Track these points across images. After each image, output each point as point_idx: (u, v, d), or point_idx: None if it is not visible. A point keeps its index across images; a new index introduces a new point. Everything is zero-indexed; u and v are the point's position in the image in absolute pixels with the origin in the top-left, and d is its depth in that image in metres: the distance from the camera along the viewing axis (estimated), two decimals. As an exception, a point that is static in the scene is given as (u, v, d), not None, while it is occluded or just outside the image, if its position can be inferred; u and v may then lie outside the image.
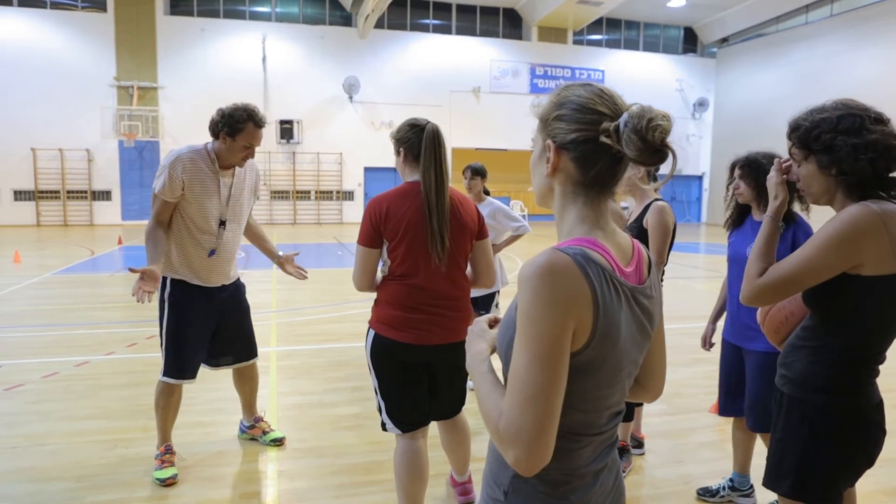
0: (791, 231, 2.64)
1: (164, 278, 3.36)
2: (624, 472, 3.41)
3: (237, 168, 3.52)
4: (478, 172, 4.66)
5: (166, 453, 3.38)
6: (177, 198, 3.30)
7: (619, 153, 1.12)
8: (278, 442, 3.76)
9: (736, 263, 2.91)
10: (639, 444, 3.74)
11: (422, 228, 2.52)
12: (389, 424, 2.66)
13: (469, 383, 3.85)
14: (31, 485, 3.23)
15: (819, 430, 1.85)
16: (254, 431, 3.84)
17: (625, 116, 1.11)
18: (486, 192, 4.76)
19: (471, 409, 3.57)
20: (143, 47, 22.42)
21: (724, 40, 28.08)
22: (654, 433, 3.99)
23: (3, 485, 3.23)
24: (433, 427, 2.89)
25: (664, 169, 1.19)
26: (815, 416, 1.86)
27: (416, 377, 2.63)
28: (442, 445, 3.01)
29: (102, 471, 3.39)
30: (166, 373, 3.38)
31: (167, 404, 3.42)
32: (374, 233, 2.57)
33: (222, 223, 3.42)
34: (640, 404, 3.73)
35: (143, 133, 22.13)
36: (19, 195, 22.00)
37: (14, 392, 4.63)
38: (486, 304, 4.56)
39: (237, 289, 3.70)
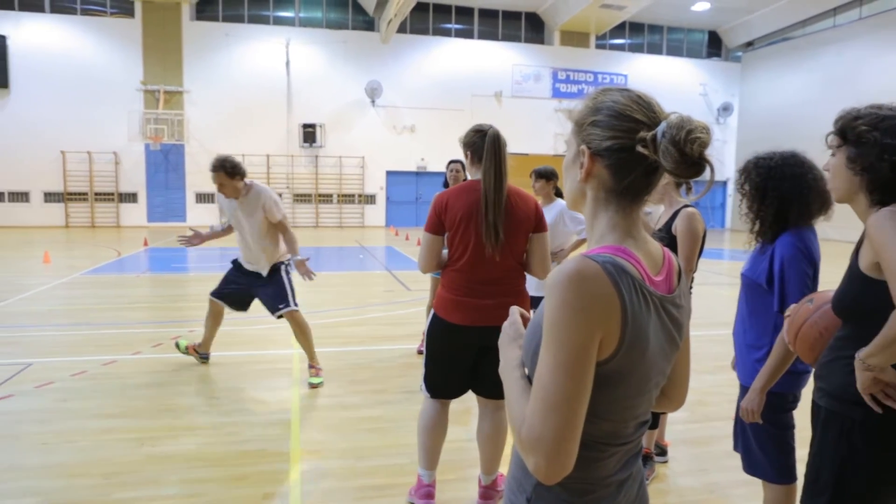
0: (771, 250, 2.35)
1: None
2: (647, 479, 3.38)
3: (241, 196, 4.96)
4: (541, 175, 4.69)
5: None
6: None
7: (655, 163, 1.10)
8: (313, 385, 4.92)
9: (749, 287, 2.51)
10: (662, 451, 3.70)
11: (476, 220, 2.83)
12: (423, 387, 3.06)
13: None
14: (61, 480, 3.29)
15: (858, 444, 1.77)
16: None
17: (663, 126, 1.08)
18: (559, 195, 4.74)
19: (493, 414, 3.57)
20: (170, 52, 22.77)
21: (750, 44, 27.77)
22: (677, 441, 3.95)
23: (33, 480, 3.29)
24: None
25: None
26: (853, 429, 1.78)
27: (459, 356, 2.95)
28: (476, 436, 3.13)
29: (129, 468, 3.44)
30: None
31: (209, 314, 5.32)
32: (437, 220, 2.91)
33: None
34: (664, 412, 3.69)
35: (168, 136, 22.47)
36: (49, 197, 22.44)
37: (44, 389, 4.72)
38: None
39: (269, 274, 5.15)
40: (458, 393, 3.06)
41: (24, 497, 3.11)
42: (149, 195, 23.19)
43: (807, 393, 2.20)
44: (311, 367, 5.08)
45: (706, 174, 1.09)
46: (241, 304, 5.34)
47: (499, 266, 2.86)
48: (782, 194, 2.30)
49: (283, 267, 5.15)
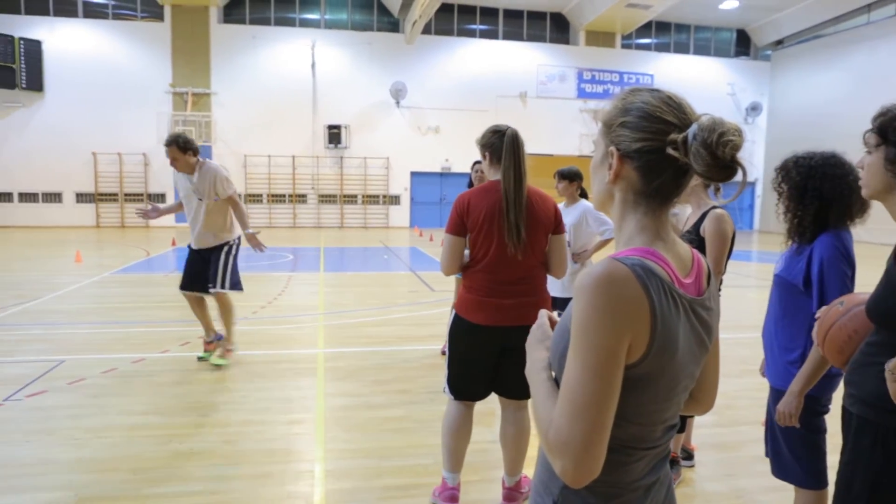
0: (809, 251, 2.31)
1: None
2: (674, 483, 3.34)
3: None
4: (564, 176, 4.69)
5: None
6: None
7: (685, 165, 1.09)
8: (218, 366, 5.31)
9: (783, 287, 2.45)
10: (689, 455, 3.65)
11: (498, 221, 2.84)
12: (447, 389, 3.06)
13: None
14: (92, 475, 3.36)
15: (894, 453, 1.71)
16: (209, 346, 5.57)
17: (694, 128, 1.07)
18: (584, 195, 4.73)
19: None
20: (198, 55, 23.09)
21: (779, 42, 27.30)
22: (704, 445, 3.90)
23: (66, 474, 3.37)
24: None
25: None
26: (888, 437, 1.72)
27: (482, 356, 2.95)
28: (499, 438, 3.13)
29: (158, 464, 3.50)
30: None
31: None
32: (459, 222, 2.91)
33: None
34: (692, 415, 3.65)
35: (196, 138, 22.74)
36: (81, 197, 22.89)
37: (76, 386, 4.82)
38: (564, 306, 4.57)
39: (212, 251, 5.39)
40: (482, 395, 3.05)
41: (58, 490, 3.18)
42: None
43: (836, 397, 2.16)
44: (225, 348, 5.44)
45: (737, 176, 1.08)
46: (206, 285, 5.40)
47: (521, 265, 2.88)
48: (822, 195, 2.27)
49: (226, 247, 5.37)
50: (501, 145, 2.90)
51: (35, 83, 21.86)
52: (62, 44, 22.13)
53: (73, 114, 22.26)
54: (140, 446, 3.73)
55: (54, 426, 4.03)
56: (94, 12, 22.71)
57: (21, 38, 21.42)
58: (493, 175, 3.00)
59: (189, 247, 5.54)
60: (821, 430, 2.38)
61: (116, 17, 22.88)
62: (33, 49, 21.70)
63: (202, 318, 5.57)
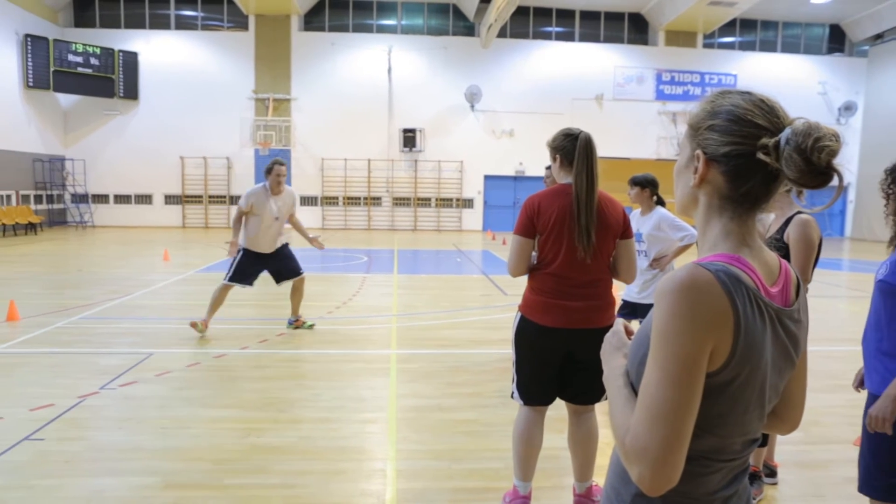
0: None
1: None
2: (754, 500, 3.20)
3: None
4: (636, 183, 4.65)
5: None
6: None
7: (776, 170, 1.05)
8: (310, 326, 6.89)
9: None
10: (772, 472, 3.49)
11: (568, 224, 2.83)
12: (516, 394, 3.02)
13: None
14: (178, 463, 3.53)
15: None
16: (297, 324, 6.91)
17: (787, 132, 1.03)
18: (661, 203, 4.67)
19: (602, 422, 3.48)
20: (279, 61, 23.93)
21: (878, 37, 25.67)
22: (788, 462, 3.71)
23: (154, 461, 3.55)
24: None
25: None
26: None
27: (549, 359, 2.92)
28: (567, 443, 3.10)
29: (237, 456, 3.64)
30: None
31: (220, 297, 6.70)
32: (529, 224, 2.91)
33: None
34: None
35: (276, 142, 23.58)
36: (169, 199, 24.16)
37: (163, 378, 5.08)
38: (646, 312, 4.50)
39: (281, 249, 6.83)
40: (551, 398, 3.02)
41: (148, 476, 3.37)
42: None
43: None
44: (297, 319, 6.97)
45: (832, 182, 1.03)
46: (251, 282, 6.80)
47: (589, 269, 2.87)
48: None
49: (287, 244, 6.89)
50: (573, 149, 2.89)
51: (131, 92, 23.25)
52: (156, 55, 23.45)
53: (164, 120, 23.52)
54: (221, 438, 3.89)
55: (144, 415, 4.26)
56: (185, 24, 23.97)
57: (120, 51, 22.85)
58: (561, 178, 2.99)
59: (252, 253, 6.62)
60: None
61: (205, 27, 24.04)
62: (131, 60, 23.10)
63: (219, 305, 6.69)
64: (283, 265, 6.76)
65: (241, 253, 6.60)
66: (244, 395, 4.72)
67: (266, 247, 6.60)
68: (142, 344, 6.17)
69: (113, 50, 22.69)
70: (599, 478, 3.13)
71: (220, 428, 4.07)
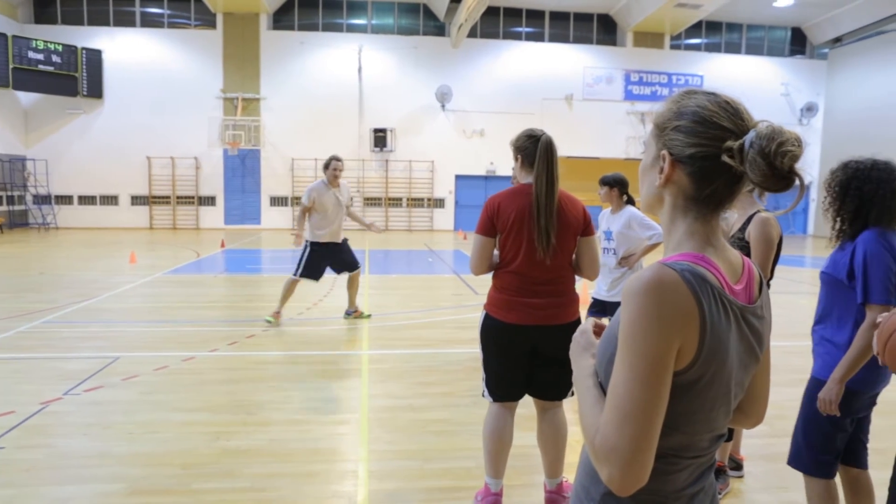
0: (852, 246, 2.38)
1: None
2: (720, 494, 3.26)
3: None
4: (605, 182, 4.71)
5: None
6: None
7: (740, 172, 1.06)
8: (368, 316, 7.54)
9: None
10: (737, 466, 3.56)
11: (528, 224, 2.89)
12: (486, 392, 3.08)
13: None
14: (144, 469, 3.47)
15: None
16: (356, 314, 7.55)
17: (751, 135, 1.04)
18: (631, 202, 4.73)
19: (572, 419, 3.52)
20: (248, 60, 23.66)
21: (837, 40, 26.35)
22: (754, 456, 3.79)
23: (121, 467, 3.49)
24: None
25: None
26: None
27: (514, 355, 2.97)
28: (537, 440, 3.14)
29: (206, 460, 3.59)
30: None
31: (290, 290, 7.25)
32: (489, 223, 2.97)
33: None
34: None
35: (245, 142, 23.31)
36: (135, 200, 23.71)
37: (130, 382, 4.99)
38: (615, 310, 4.56)
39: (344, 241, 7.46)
40: (519, 395, 3.07)
41: (114, 482, 3.30)
42: (226, 199, 24.12)
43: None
44: (356, 310, 7.59)
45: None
46: (318, 277, 7.29)
47: (550, 268, 2.92)
48: (863, 194, 2.36)
49: (347, 239, 7.45)
50: (534, 150, 2.94)
51: (95, 91, 22.76)
52: (121, 52, 23.00)
53: (130, 120, 23.08)
54: (190, 442, 3.84)
55: (110, 420, 4.17)
56: (150, 22, 23.55)
57: (83, 48, 22.35)
58: (523, 178, 3.04)
59: (321, 245, 7.12)
60: (840, 428, 2.47)
61: (172, 25, 23.65)
62: (94, 58, 22.62)
63: (288, 297, 7.24)
64: (344, 258, 7.36)
65: (308, 248, 7.13)
66: (213, 398, 4.66)
67: (333, 236, 7.18)
68: (108, 348, 6.04)
69: (76, 47, 22.19)
70: (570, 474, 3.16)
71: (188, 432, 4.01)
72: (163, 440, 3.87)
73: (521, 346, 2.95)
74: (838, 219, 2.45)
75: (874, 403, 2.57)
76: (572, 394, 3.06)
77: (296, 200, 24.06)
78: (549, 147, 2.92)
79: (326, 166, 7.16)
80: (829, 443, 2.49)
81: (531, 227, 2.88)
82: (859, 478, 2.59)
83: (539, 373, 3.01)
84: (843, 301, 2.43)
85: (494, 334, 2.99)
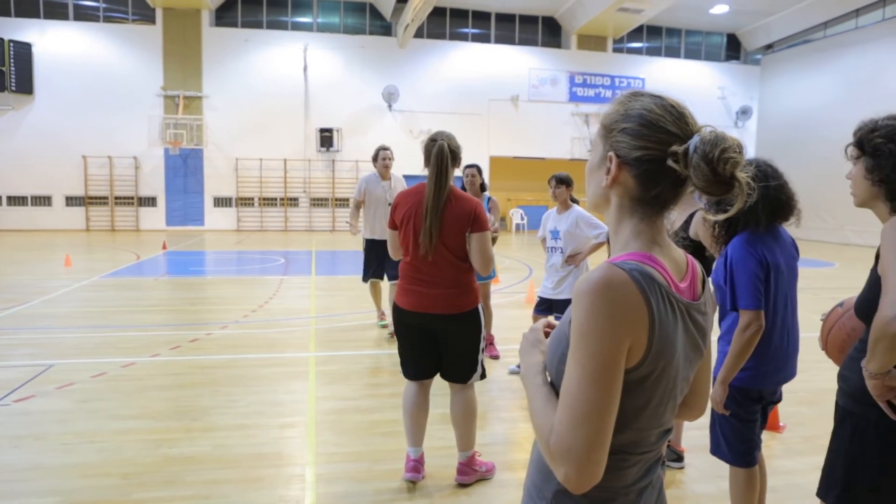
0: (725, 252, 2.47)
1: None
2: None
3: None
4: (562, 181, 4.79)
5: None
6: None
7: (685, 176, 1.08)
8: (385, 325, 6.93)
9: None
10: (678, 457, 3.67)
11: (415, 221, 3.15)
12: (401, 371, 3.41)
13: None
14: (82, 480, 3.34)
15: (871, 443, 1.85)
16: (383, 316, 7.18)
17: (696, 140, 1.06)
18: (574, 201, 4.83)
19: (521, 416, 3.54)
20: (189, 58, 23.03)
21: (769, 47, 27.50)
22: (693, 447, 3.91)
23: (55, 479, 3.34)
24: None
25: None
26: (867, 429, 1.85)
27: (413, 338, 3.29)
28: (450, 418, 3.39)
29: (147, 469, 3.48)
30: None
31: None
32: (391, 217, 3.31)
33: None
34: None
35: (187, 141, 22.70)
36: (70, 201, 22.77)
37: (65, 391, 4.79)
38: (562, 308, 4.69)
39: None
40: (425, 374, 3.35)
41: (47, 496, 3.16)
42: (168, 199, 23.43)
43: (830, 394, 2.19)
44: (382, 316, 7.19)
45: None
46: (382, 274, 6.78)
47: (437, 262, 3.15)
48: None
49: None
50: (430, 154, 3.19)
51: (25, 86, 21.74)
52: (52, 46, 22.03)
53: (64, 117, 22.15)
54: (130, 451, 3.71)
55: (43, 431, 4.00)
56: (84, 15, 22.64)
57: (11, 41, 21.31)
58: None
59: (372, 243, 6.71)
60: (748, 421, 2.57)
61: (108, 20, 22.80)
62: (23, 52, 21.60)
63: (378, 300, 7.10)
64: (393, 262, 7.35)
65: (364, 248, 6.93)
66: (155, 405, 4.52)
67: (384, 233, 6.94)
68: (41, 355, 5.79)
69: (2, 39, 21.15)
70: (521, 472, 3.19)
71: (128, 440, 3.88)
72: (101, 450, 3.73)
73: (416, 329, 3.25)
74: (715, 225, 2.50)
75: (777, 395, 2.69)
76: (475, 379, 3.31)
77: (240, 201, 23.56)
78: (441, 153, 3.15)
79: (375, 158, 6.87)
80: (738, 434, 2.58)
81: (418, 224, 3.13)
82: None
83: (444, 357, 3.29)
84: (723, 305, 2.53)
85: (397, 317, 3.32)
